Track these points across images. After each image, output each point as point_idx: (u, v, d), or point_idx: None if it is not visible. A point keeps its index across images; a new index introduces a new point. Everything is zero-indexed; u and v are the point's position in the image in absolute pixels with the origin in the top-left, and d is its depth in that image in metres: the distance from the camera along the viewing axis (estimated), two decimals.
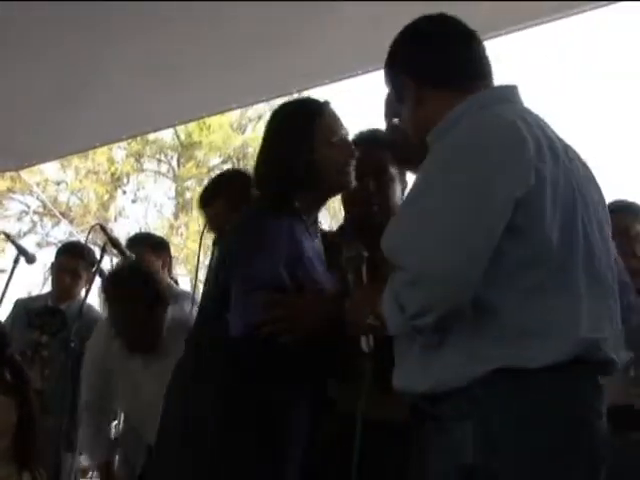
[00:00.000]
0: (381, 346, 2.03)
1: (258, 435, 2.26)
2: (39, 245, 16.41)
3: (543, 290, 1.74)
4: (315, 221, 2.55)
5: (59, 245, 5.04)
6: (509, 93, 1.98)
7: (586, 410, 1.75)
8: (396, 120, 2.21)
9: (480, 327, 1.73)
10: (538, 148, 1.77)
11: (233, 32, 4.23)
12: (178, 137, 17.30)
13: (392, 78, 2.08)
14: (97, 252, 3.97)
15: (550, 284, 1.74)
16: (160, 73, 4.62)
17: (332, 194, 2.54)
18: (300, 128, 2.42)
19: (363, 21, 4.03)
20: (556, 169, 1.79)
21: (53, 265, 4.62)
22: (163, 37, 4.25)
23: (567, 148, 1.91)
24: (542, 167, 1.76)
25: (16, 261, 4.30)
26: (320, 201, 2.52)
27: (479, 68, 2.01)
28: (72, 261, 4.42)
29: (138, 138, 15.64)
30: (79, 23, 4.07)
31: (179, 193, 17.65)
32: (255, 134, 17.13)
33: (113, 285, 3.49)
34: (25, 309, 4.46)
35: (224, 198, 3.27)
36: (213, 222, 3.41)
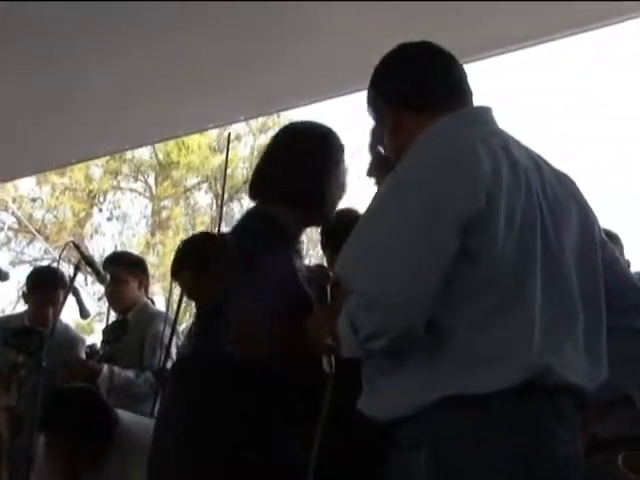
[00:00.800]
0: (343, 366, 2.02)
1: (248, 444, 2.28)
2: (12, 263, 16.30)
3: (495, 315, 1.72)
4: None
5: (32, 270, 4.95)
6: (481, 114, 2.00)
7: (543, 436, 1.71)
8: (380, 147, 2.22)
9: (432, 353, 1.72)
10: (495, 169, 1.77)
11: (212, 51, 4.23)
12: (157, 156, 17.29)
13: (373, 103, 2.10)
14: (70, 269, 3.95)
15: (502, 309, 1.72)
16: (138, 91, 4.61)
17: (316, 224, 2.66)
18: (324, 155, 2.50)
19: (342, 42, 4.04)
20: (517, 190, 1.79)
21: (28, 296, 4.50)
22: (142, 55, 4.25)
23: (541, 167, 1.91)
24: (496, 189, 1.75)
25: None
26: (305, 225, 2.59)
27: (456, 91, 2.03)
28: (51, 294, 4.34)
29: (116, 156, 15.62)
30: (60, 38, 4.07)
31: (155, 212, 17.61)
32: (234, 154, 17.16)
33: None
34: (1, 328, 4.41)
35: (190, 269, 3.34)
36: (184, 289, 3.54)
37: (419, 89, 2.02)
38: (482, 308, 1.72)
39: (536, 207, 1.81)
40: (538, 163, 1.92)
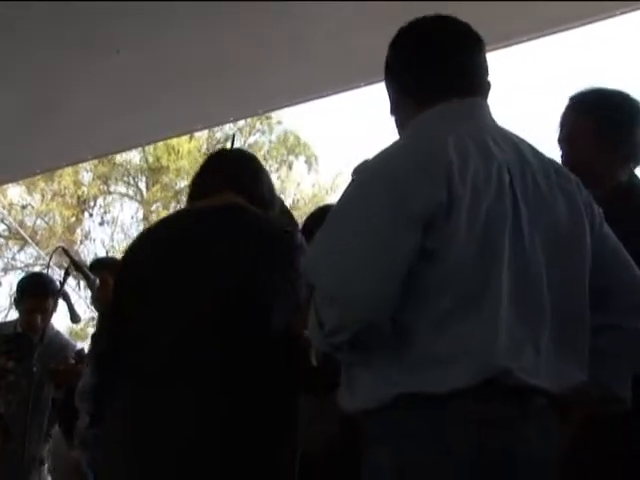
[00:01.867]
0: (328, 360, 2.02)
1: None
2: (4, 270, 16.28)
3: (456, 314, 1.69)
4: None
5: (22, 277, 4.95)
6: (468, 108, 1.94)
7: (506, 435, 1.69)
8: None
9: (395, 349, 1.70)
10: (462, 165, 1.73)
11: (199, 53, 4.23)
12: (147, 160, 17.27)
13: (385, 82, 2.06)
14: (61, 273, 3.95)
15: (463, 308, 1.69)
16: (126, 93, 4.61)
17: None
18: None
19: (330, 42, 4.04)
20: (486, 185, 1.75)
21: (19, 303, 4.46)
22: (129, 58, 4.24)
23: (527, 162, 1.85)
24: (460, 184, 1.71)
25: None
26: None
27: (461, 79, 1.95)
28: (41, 302, 4.33)
29: (105, 160, 15.61)
30: (47, 41, 4.06)
31: (146, 216, 17.59)
32: None
33: None
34: None
35: None
36: None
37: (407, 76, 1.98)
38: (442, 306, 1.69)
39: (507, 203, 1.77)
40: (524, 157, 1.86)
